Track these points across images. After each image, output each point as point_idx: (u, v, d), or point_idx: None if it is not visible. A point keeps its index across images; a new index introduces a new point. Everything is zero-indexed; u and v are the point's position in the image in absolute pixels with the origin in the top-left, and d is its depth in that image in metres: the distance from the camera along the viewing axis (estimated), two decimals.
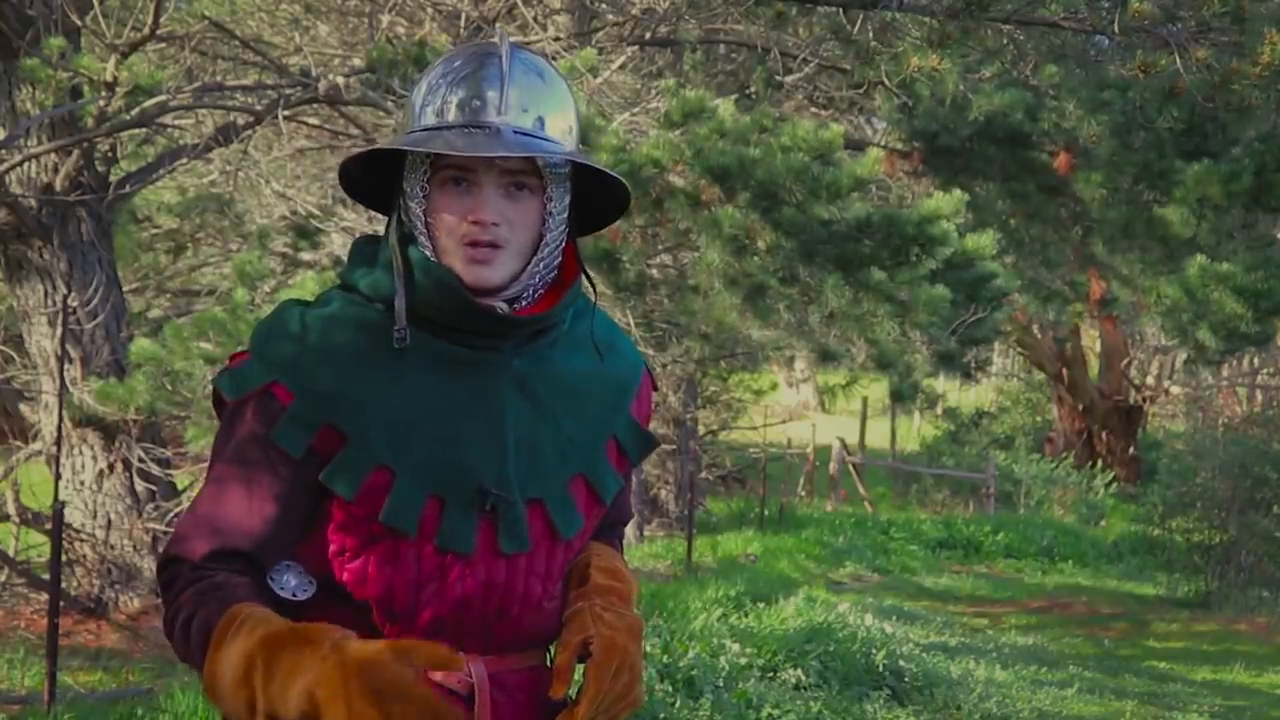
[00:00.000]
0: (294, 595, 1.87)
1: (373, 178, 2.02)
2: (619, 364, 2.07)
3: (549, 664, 2.03)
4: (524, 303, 1.95)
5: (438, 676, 1.89)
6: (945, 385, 25.12)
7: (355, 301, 1.94)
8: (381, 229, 2.04)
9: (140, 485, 7.98)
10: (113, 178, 8.22)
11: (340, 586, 1.90)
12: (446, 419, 1.90)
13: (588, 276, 2.04)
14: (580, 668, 1.97)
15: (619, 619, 1.97)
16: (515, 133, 1.89)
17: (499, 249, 1.89)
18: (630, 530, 14.09)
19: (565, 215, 1.97)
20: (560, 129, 1.93)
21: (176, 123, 8.60)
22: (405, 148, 1.90)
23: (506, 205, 1.90)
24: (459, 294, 1.88)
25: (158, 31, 7.27)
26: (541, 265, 1.95)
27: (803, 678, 7.18)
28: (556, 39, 8.70)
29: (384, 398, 1.88)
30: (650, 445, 2.09)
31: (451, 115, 1.90)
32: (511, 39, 2.02)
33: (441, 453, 1.89)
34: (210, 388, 6.30)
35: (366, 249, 1.99)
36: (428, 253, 1.91)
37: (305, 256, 8.57)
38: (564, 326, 2.00)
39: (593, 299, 2.08)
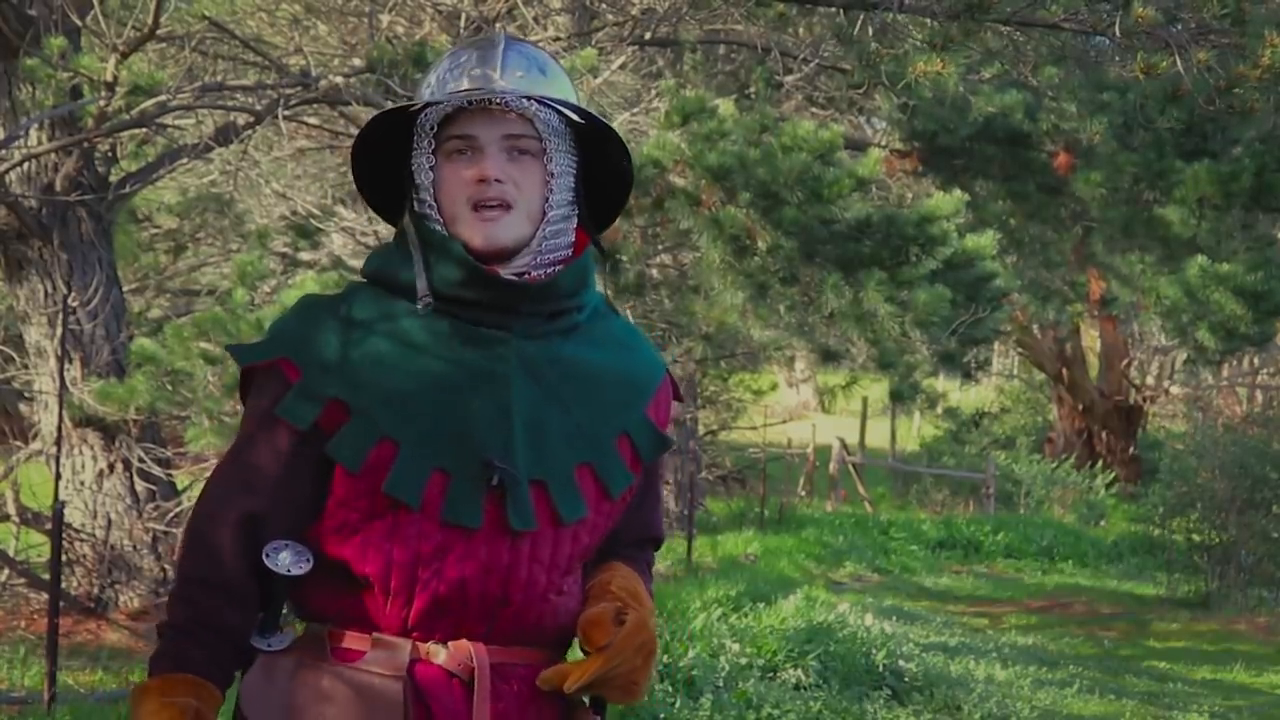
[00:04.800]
0: (289, 570, 1.89)
1: (381, 175, 2.05)
2: (637, 365, 2.08)
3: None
4: (531, 276, 1.97)
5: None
6: (945, 385, 25.09)
7: (366, 286, 2.00)
8: (384, 232, 2.08)
9: (140, 485, 7.97)
10: (113, 178, 8.21)
11: (341, 564, 1.91)
12: (453, 395, 1.91)
13: (599, 248, 2.05)
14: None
15: (643, 619, 2.00)
16: (513, 91, 1.94)
17: (508, 208, 1.93)
18: None
19: (570, 181, 1.99)
20: (561, 96, 1.98)
21: (176, 123, 8.59)
22: (408, 104, 1.95)
23: (510, 167, 1.93)
24: (465, 261, 1.91)
25: (158, 31, 7.26)
26: (549, 231, 1.97)
27: (803, 678, 7.18)
28: (556, 39, 8.69)
29: (390, 372, 1.91)
30: (664, 446, 2.09)
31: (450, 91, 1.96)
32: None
33: (447, 427, 1.90)
34: (208, 387, 6.31)
35: (382, 249, 2.04)
36: (438, 227, 1.95)
37: (305, 256, 8.58)
38: (579, 317, 2.01)
39: (602, 264, 2.12)
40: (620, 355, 2.05)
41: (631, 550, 2.11)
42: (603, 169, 2.04)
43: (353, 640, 1.93)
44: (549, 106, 1.96)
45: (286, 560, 1.89)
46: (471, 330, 1.93)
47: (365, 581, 1.91)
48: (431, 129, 1.96)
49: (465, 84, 1.95)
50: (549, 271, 1.97)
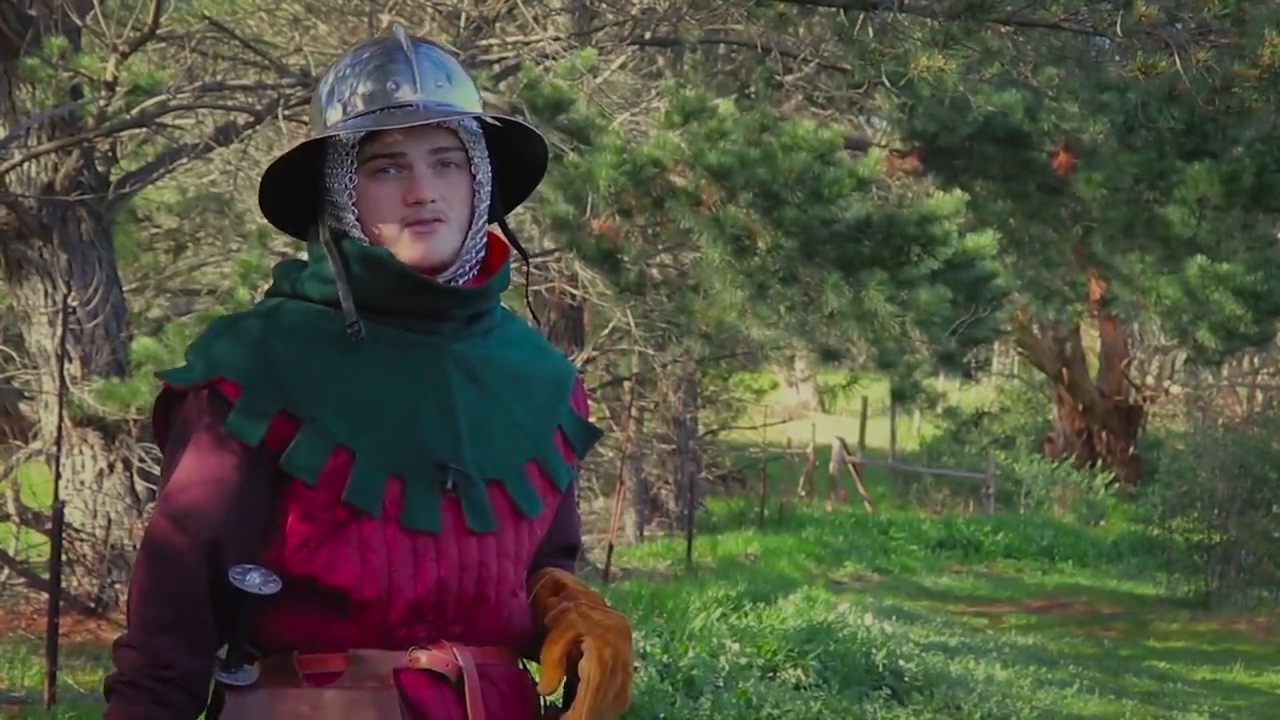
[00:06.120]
0: (260, 589, 1.85)
1: (291, 193, 2.00)
2: (553, 363, 2.09)
3: (521, 666, 2.02)
4: (460, 283, 1.96)
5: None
6: (945, 385, 25.06)
7: (286, 300, 1.96)
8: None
9: (140, 485, 7.97)
10: (113, 178, 8.21)
11: (308, 580, 1.87)
12: (398, 401, 1.90)
13: (518, 248, 2.05)
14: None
15: (607, 617, 1.97)
16: (437, 105, 1.91)
17: (441, 223, 1.91)
18: (630, 530, 14.08)
19: (489, 188, 1.98)
20: (473, 101, 1.96)
21: (176, 123, 8.59)
22: (340, 131, 1.90)
23: (439, 183, 1.91)
24: (400, 270, 1.89)
25: (158, 31, 7.27)
26: (477, 239, 1.97)
27: (803, 678, 7.18)
28: (556, 39, 8.69)
29: (334, 382, 1.89)
30: (594, 436, 2.10)
31: (363, 106, 1.91)
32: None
33: (397, 433, 1.89)
34: None
35: (291, 265, 2.00)
36: (363, 243, 1.92)
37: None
38: (496, 318, 2.01)
39: (525, 266, 2.13)
40: (537, 354, 2.06)
41: (557, 558, 2.10)
42: (511, 158, 2.03)
43: (323, 662, 1.88)
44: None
45: (256, 581, 1.84)
46: (404, 336, 1.92)
47: (336, 595, 1.87)
48: (352, 147, 1.92)
49: (377, 103, 1.90)
50: (472, 275, 1.97)
